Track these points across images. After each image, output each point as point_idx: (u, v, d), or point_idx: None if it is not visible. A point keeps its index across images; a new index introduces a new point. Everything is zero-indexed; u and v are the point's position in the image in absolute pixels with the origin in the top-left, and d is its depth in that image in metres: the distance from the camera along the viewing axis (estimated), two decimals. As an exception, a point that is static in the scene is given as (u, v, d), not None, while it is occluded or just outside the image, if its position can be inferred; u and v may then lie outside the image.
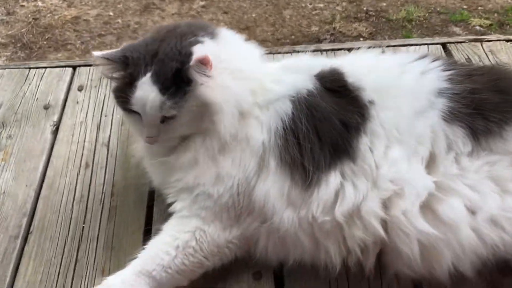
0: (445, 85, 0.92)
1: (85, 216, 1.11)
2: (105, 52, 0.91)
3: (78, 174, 1.20)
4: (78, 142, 1.27)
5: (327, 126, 0.89)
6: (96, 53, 0.90)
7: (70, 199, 1.15)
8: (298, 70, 0.96)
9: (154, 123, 0.90)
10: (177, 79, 0.86)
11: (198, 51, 0.86)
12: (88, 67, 1.48)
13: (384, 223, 0.88)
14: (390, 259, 0.91)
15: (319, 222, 0.88)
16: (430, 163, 0.89)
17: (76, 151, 1.25)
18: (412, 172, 0.87)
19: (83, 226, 1.09)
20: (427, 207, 0.87)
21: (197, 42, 0.90)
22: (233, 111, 0.89)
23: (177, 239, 0.91)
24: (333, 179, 0.88)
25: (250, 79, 0.93)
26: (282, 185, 0.89)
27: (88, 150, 1.25)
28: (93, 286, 0.98)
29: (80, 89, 1.41)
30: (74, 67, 1.49)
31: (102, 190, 1.16)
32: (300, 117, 0.89)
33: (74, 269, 1.02)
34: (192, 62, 0.84)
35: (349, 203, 0.88)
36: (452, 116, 0.89)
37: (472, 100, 0.89)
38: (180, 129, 0.92)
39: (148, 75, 0.87)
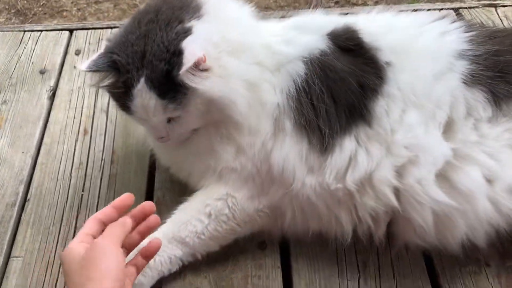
0: (466, 46, 0.87)
1: (84, 184, 1.08)
2: (89, 61, 0.82)
3: (76, 141, 1.16)
4: (76, 108, 1.22)
5: (342, 87, 0.84)
6: (81, 67, 0.82)
7: (68, 166, 1.11)
8: (309, 30, 0.90)
9: (161, 125, 0.85)
10: (173, 81, 0.78)
11: (189, 50, 0.77)
12: (86, 31, 1.42)
13: (397, 192, 0.84)
14: (401, 229, 0.89)
15: (331, 189, 0.85)
16: (448, 129, 0.85)
17: (74, 117, 1.20)
18: (428, 138, 0.83)
19: (82, 194, 1.06)
20: (443, 176, 0.83)
21: (185, 31, 0.80)
22: (243, 94, 0.83)
23: (208, 206, 0.89)
24: (348, 143, 0.84)
25: (252, 49, 0.86)
26: (300, 148, 0.85)
27: (87, 116, 1.20)
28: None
29: (77, 53, 1.36)
30: (71, 31, 1.43)
31: (102, 157, 1.12)
32: (313, 78, 0.84)
33: (73, 238, 0.98)
34: (182, 71, 0.76)
35: (361, 170, 0.84)
36: (473, 79, 0.84)
37: (494, 62, 0.85)
38: (189, 125, 0.87)
39: (142, 80, 0.79)
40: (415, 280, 0.92)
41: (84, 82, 1.28)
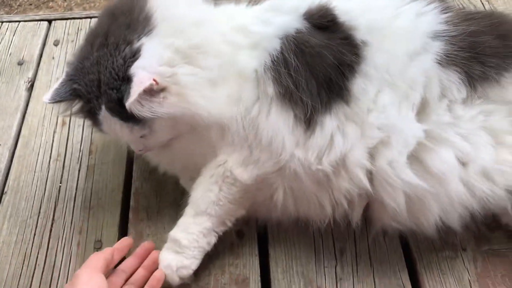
0: (442, 27, 0.85)
1: (62, 175, 1.07)
2: (52, 93, 0.83)
3: (54, 132, 1.15)
4: (54, 99, 1.21)
5: (319, 62, 0.82)
6: (45, 99, 0.83)
7: (46, 158, 1.10)
8: (285, 11, 0.88)
9: (135, 141, 0.87)
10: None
11: (137, 77, 0.76)
12: (65, 21, 1.40)
13: (370, 174, 0.84)
14: (376, 212, 0.89)
15: (313, 170, 0.84)
16: (422, 111, 0.84)
17: (53, 108, 1.19)
18: (401, 119, 0.82)
19: (60, 186, 1.05)
20: (415, 158, 0.82)
21: (133, 55, 0.78)
22: (205, 102, 0.81)
23: (212, 176, 0.89)
24: (328, 122, 0.83)
25: (213, 43, 0.84)
26: (287, 118, 0.83)
27: (65, 107, 1.19)
28: (70, 246, 0.96)
29: (56, 43, 1.34)
30: (50, 21, 1.41)
31: (80, 148, 1.11)
32: (289, 54, 0.82)
33: (51, 230, 0.99)
34: (129, 103, 0.75)
35: (337, 151, 0.83)
36: (447, 60, 0.83)
37: (469, 43, 0.83)
38: (162, 138, 0.87)
39: (103, 108, 0.80)
40: (392, 265, 0.92)
41: (62, 72, 1.26)
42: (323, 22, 0.86)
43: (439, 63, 0.83)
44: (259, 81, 0.84)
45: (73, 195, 1.04)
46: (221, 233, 0.92)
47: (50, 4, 2.45)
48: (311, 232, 0.96)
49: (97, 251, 0.95)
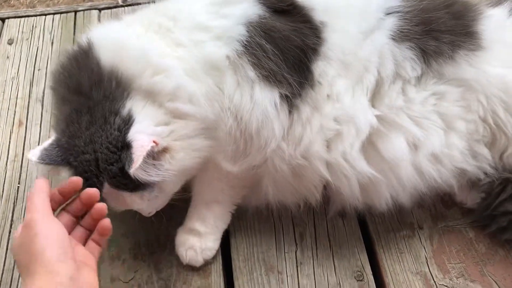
0: (396, 2, 0.85)
1: (20, 176, 1.06)
2: (41, 153, 0.75)
3: (11, 133, 1.13)
4: (10, 99, 1.19)
5: (289, 46, 0.81)
6: (31, 157, 0.75)
7: (3, 159, 1.09)
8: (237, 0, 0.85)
9: (146, 207, 0.82)
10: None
11: (136, 142, 0.72)
12: (19, 19, 1.37)
13: (329, 166, 0.85)
14: (333, 195, 0.91)
15: (293, 163, 0.85)
16: (376, 94, 0.84)
17: (8, 108, 1.17)
18: (355, 107, 0.83)
19: (18, 186, 1.04)
20: (369, 143, 0.84)
21: (125, 123, 0.75)
22: (208, 144, 0.81)
23: (209, 169, 0.87)
24: (302, 107, 0.83)
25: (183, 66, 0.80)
26: (273, 95, 0.80)
27: (21, 107, 1.18)
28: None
29: (10, 42, 1.32)
30: (3, 19, 1.38)
31: (38, 148, 1.10)
32: (259, 39, 0.80)
33: (10, 231, 0.97)
34: (133, 170, 0.71)
35: (306, 141, 0.83)
36: (401, 35, 0.83)
37: (423, 18, 0.84)
38: (175, 190, 0.84)
39: (106, 185, 0.75)
40: (351, 247, 0.93)
41: (18, 72, 1.25)
42: (283, 6, 0.84)
43: (393, 38, 0.84)
44: (235, 67, 0.80)
45: (32, 195, 1.02)
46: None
47: (12, 2, 2.39)
48: (271, 219, 0.97)
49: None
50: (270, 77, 0.80)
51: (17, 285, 0.91)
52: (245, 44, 0.80)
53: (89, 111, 0.76)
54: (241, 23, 0.81)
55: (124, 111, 0.76)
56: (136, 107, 0.76)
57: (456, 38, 0.85)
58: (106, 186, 0.76)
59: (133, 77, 0.77)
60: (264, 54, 0.80)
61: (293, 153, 0.83)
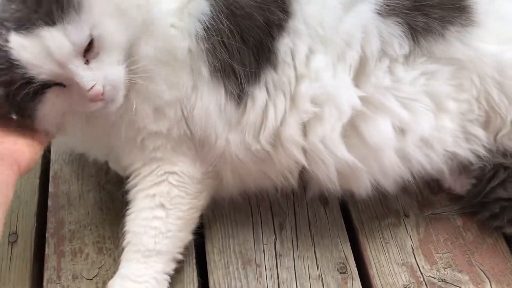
0: None
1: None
2: None
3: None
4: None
5: (249, 25, 0.74)
6: None
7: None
8: None
9: (82, 71, 0.64)
10: None
11: None
12: None
13: (304, 151, 0.79)
14: (310, 181, 0.85)
15: (253, 150, 0.78)
16: (360, 73, 0.78)
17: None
18: (336, 86, 0.76)
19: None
20: (351, 126, 0.78)
21: None
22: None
23: (155, 197, 0.78)
24: (258, 93, 0.75)
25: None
26: (218, 97, 0.74)
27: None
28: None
29: None
30: None
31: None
32: (220, 17, 0.72)
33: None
34: None
35: (270, 127, 0.77)
36: (388, 10, 0.76)
37: None
38: (116, 46, 0.67)
39: (13, 34, 0.60)
40: (333, 238, 0.88)
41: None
42: None
43: (378, 13, 0.76)
44: (194, 62, 0.73)
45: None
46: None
47: None
48: (248, 208, 0.91)
49: (12, 245, 0.86)
50: (221, 70, 0.74)
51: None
52: (205, 28, 0.72)
53: None
54: None
55: None
56: None
57: (447, 13, 0.78)
58: (13, 35, 0.59)
59: None
60: (222, 40, 0.73)
61: (254, 141, 0.77)
